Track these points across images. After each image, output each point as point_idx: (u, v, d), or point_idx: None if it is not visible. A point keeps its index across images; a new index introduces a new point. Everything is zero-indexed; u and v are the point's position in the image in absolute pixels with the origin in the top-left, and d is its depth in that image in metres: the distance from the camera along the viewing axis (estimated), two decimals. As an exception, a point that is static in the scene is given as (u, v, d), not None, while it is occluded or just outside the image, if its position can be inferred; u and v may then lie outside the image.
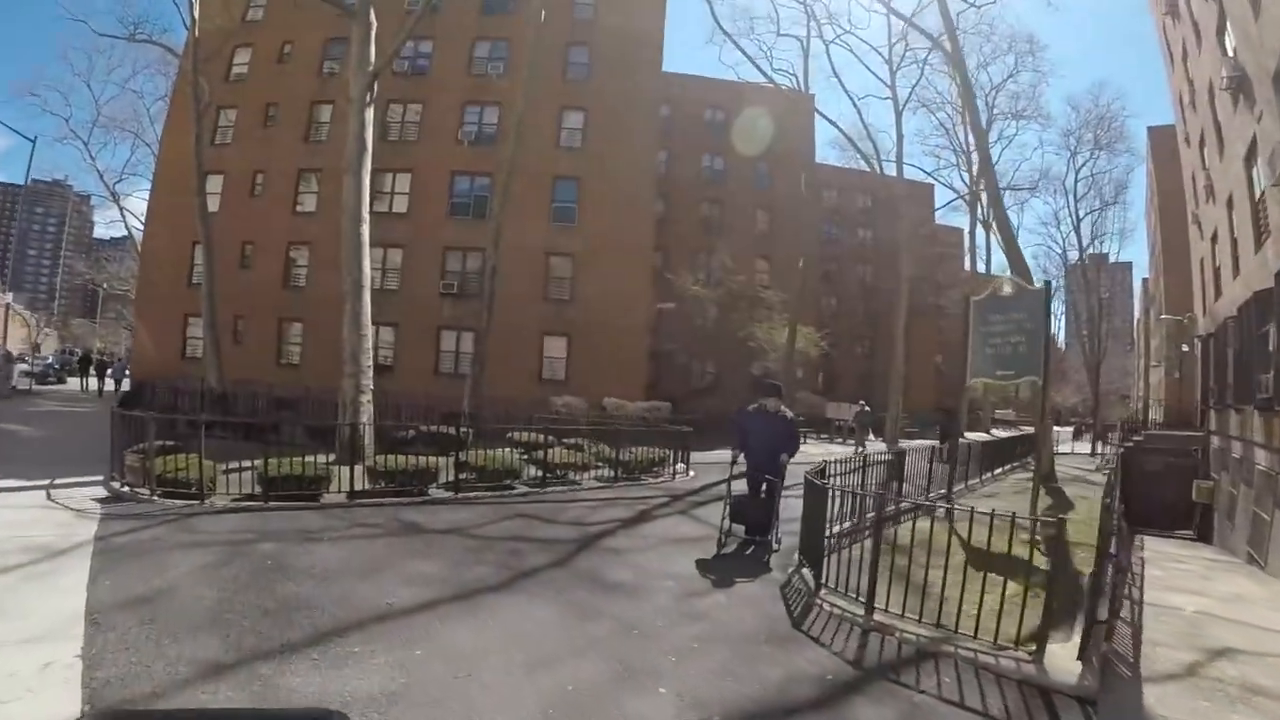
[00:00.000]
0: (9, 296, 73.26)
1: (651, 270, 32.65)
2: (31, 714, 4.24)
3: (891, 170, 38.91)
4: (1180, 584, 11.92)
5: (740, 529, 9.89)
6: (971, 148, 47.77)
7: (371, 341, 16.30)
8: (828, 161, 53.24)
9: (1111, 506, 9.98)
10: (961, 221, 62.44)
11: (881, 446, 31.78)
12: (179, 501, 10.28)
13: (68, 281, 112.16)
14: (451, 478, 12.31)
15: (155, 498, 10.50)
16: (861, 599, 7.05)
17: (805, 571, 8.32)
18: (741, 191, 42.14)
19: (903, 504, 9.99)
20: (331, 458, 12.50)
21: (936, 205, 54.40)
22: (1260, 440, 16.27)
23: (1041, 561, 7.67)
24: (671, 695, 5.11)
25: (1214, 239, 23.31)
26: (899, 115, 37.95)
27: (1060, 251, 58.35)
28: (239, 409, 23.61)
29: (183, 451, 11.23)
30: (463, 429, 17.47)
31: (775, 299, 34.36)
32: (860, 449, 25.08)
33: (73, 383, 39.85)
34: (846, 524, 9.29)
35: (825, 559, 7.78)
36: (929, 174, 50.97)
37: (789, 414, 10.08)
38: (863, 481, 11.65)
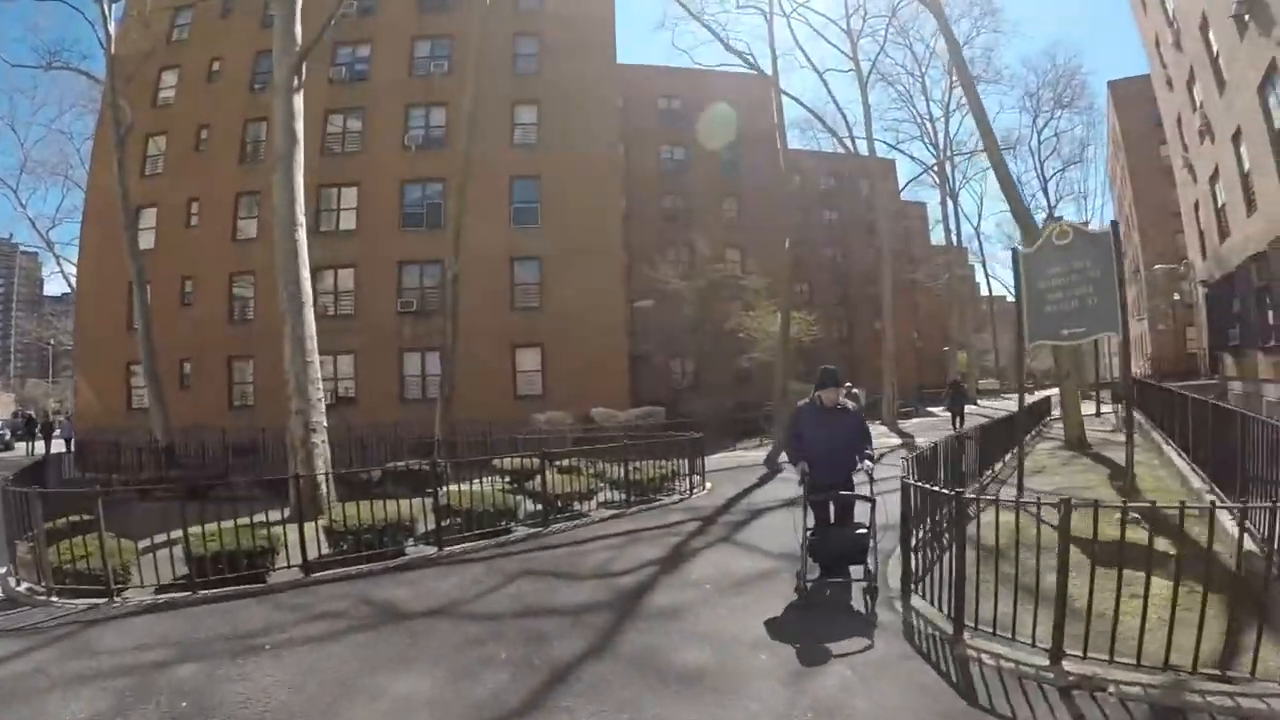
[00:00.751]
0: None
1: (623, 268, 30.38)
2: None
3: (857, 146, 36.89)
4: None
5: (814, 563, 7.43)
6: (935, 116, 46.71)
7: (319, 370, 13.55)
8: (789, 145, 51.48)
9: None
10: (924, 195, 60.73)
11: (878, 430, 29.88)
12: (81, 602, 7.71)
13: (20, 342, 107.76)
14: (433, 526, 9.82)
15: (52, 598, 7.93)
16: (1022, 639, 5.20)
17: (919, 606, 6.41)
18: (706, 181, 39.95)
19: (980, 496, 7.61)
20: (288, 513, 10.00)
21: (900, 179, 52.96)
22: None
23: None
24: None
25: (1214, 179, 21.90)
26: (864, 87, 36.13)
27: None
28: (187, 461, 20.99)
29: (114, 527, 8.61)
30: (438, 462, 15.11)
31: (759, 285, 32.22)
32: None
33: (21, 448, 36.97)
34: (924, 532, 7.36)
35: (957, 589, 5.67)
36: (894, 147, 48.92)
37: (853, 404, 7.71)
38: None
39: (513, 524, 10.76)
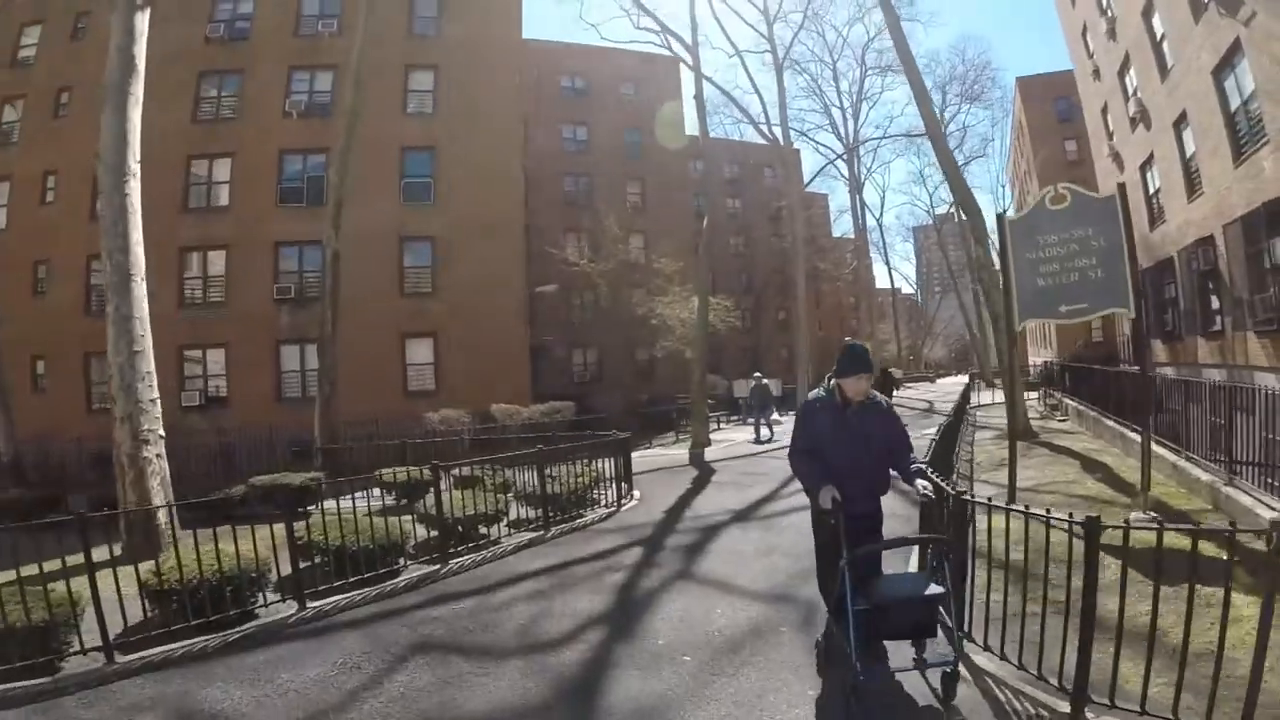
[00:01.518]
0: None
1: (523, 251, 27.68)
2: None
3: (773, 132, 35.16)
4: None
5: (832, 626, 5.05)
6: (845, 106, 45.59)
7: (153, 362, 10.52)
8: (693, 130, 49.90)
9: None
10: (825, 187, 59.99)
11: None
12: None
13: None
14: (302, 568, 7.12)
15: None
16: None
17: (991, 667, 4.60)
18: (609, 163, 37.36)
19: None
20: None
21: (804, 168, 51.82)
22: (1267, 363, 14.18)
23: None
24: None
25: (1145, 167, 21.33)
26: (779, 69, 34.38)
27: (928, 208, 57.17)
28: (35, 476, 17.76)
29: None
30: (310, 477, 12.29)
31: (671, 268, 30.03)
32: (765, 427, 21.31)
33: None
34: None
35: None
36: (803, 134, 47.75)
37: (886, 399, 5.30)
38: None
39: (402, 560, 8.11)
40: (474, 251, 24.54)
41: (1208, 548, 5.58)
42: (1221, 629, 3.44)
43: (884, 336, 59.73)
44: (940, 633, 4.56)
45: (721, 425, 26.95)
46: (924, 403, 35.97)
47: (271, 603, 6.84)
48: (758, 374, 22.93)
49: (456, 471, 10.31)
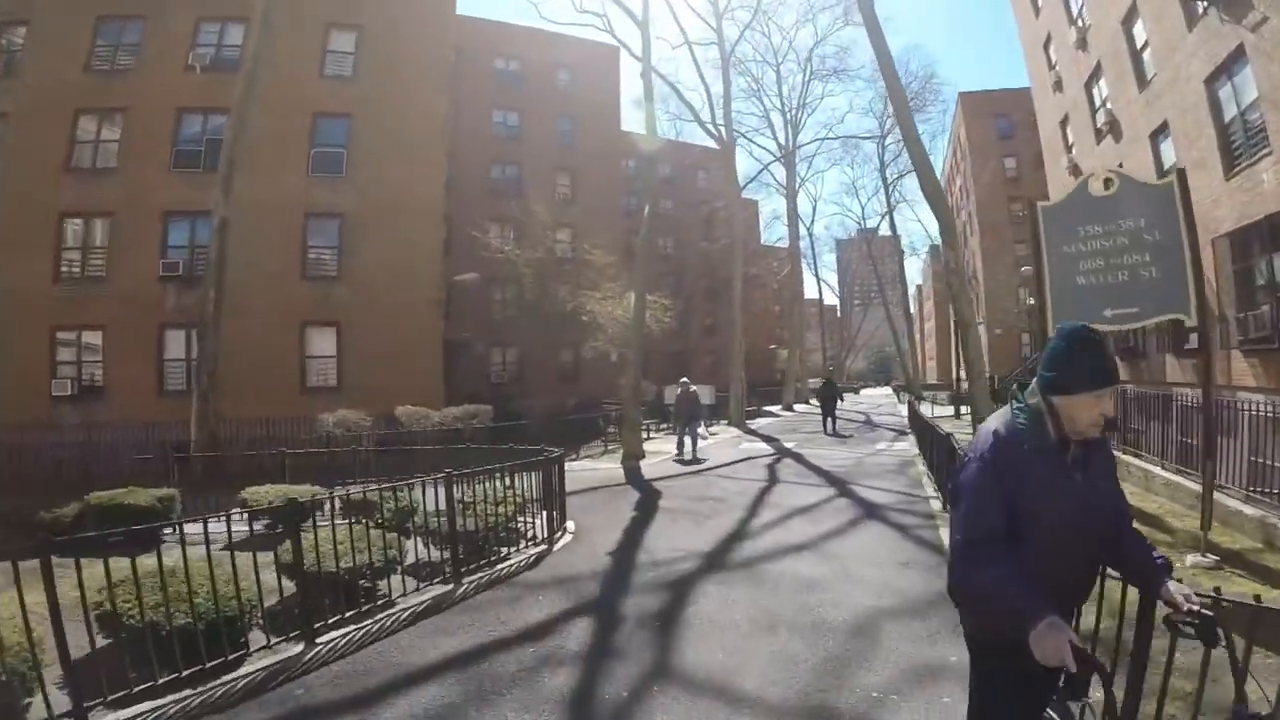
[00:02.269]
0: None
1: (441, 237, 24.90)
2: None
3: (719, 130, 33.09)
4: None
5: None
6: (787, 108, 43.93)
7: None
8: (627, 126, 47.88)
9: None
10: (755, 194, 58.46)
11: (731, 433, 26.19)
12: None
13: None
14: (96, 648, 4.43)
15: None
16: None
17: None
18: (540, 152, 34.51)
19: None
20: None
21: (739, 172, 50.22)
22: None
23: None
24: None
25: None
26: (725, 63, 32.36)
27: (859, 219, 56.52)
28: None
29: None
30: (161, 495, 9.62)
31: (604, 261, 27.51)
32: (690, 439, 18.90)
33: None
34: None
35: None
36: (744, 135, 46.10)
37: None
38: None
39: (249, 637, 5.49)
40: (387, 234, 21.75)
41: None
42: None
43: (811, 347, 58.91)
44: None
45: (652, 434, 24.67)
46: (859, 415, 34.55)
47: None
48: (684, 379, 20.25)
49: (344, 493, 7.70)
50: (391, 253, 21.64)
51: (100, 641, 4.75)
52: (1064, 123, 24.13)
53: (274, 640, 5.56)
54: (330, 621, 5.93)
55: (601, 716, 4.53)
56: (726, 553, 8.61)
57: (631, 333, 19.33)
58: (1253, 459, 10.69)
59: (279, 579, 6.48)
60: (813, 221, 62.22)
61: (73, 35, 20.95)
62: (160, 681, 4.70)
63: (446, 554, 7.55)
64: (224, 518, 5.81)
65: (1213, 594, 2.97)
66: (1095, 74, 20.60)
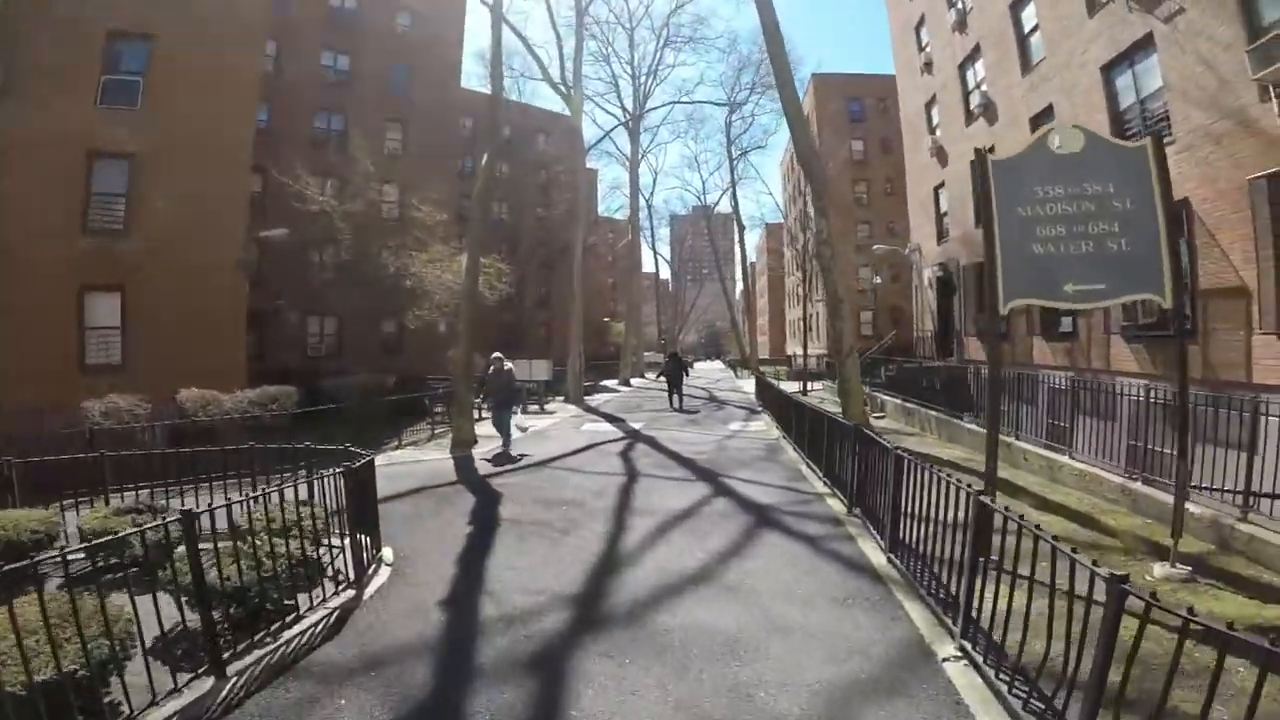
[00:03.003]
0: None
1: (248, 184, 20.99)
2: None
3: (567, 88, 30.29)
4: None
5: None
6: (636, 74, 41.73)
7: None
8: (466, 84, 44.26)
9: None
10: (594, 163, 56.11)
11: (570, 412, 23.91)
12: None
13: None
14: None
15: None
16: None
17: None
18: (370, 101, 30.21)
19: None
20: None
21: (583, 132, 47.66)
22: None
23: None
24: None
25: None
26: (580, 16, 29.57)
27: (699, 193, 55.58)
28: None
29: None
30: None
31: (433, 220, 24.19)
32: (504, 431, 15.14)
33: None
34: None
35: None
36: (591, 98, 43.63)
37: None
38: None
39: None
40: (187, 180, 17.95)
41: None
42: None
43: (645, 320, 57.63)
44: None
45: (484, 415, 21.95)
46: (701, 391, 33.18)
47: None
48: (497, 355, 15.60)
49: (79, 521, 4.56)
50: (191, 204, 17.85)
51: None
52: (930, 104, 24.13)
53: None
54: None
55: None
56: (602, 594, 6.27)
57: (463, 299, 16.52)
58: (1132, 443, 10.64)
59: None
60: (652, 193, 60.94)
61: None
62: None
63: (201, 618, 4.74)
64: None
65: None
66: (972, 56, 20.37)
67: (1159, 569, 6.71)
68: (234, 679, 4.65)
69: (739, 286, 71.12)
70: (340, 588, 6.23)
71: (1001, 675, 4.40)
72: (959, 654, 4.96)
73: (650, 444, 15.60)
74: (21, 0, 15.70)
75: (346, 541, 6.53)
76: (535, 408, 24.10)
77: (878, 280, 32.58)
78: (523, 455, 14.04)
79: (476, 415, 18.70)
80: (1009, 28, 17.87)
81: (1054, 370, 15.47)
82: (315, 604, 5.78)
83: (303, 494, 6.30)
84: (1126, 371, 13.09)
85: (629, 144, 42.79)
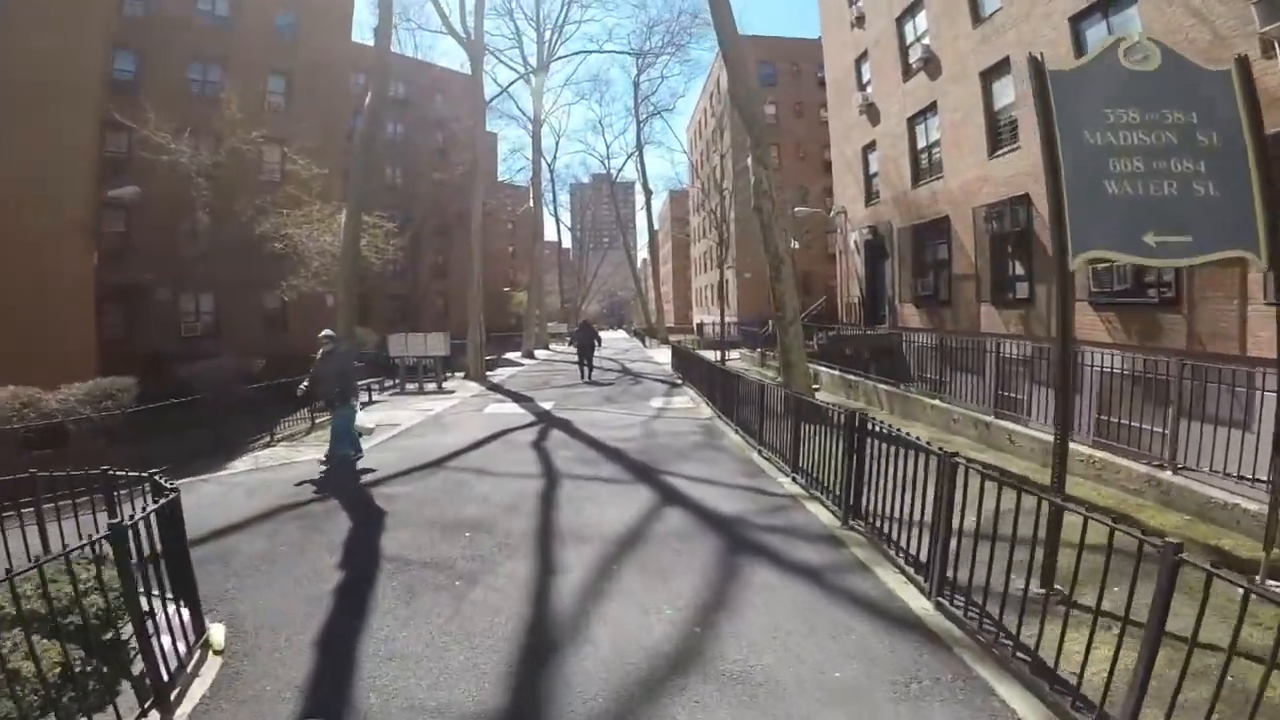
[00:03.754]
0: None
1: (98, 134, 17.38)
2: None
3: (454, 33, 27.13)
4: None
5: None
6: (542, 28, 38.55)
7: None
8: (359, 39, 40.25)
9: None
10: (496, 124, 52.62)
11: (472, 390, 21.24)
12: None
13: None
14: None
15: None
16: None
17: None
18: (252, 49, 26.09)
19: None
20: None
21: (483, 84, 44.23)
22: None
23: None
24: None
25: (918, 120, 19.01)
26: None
27: (602, 158, 53.13)
28: None
29: None
30: None
31: (309, 174, 20.76)
32: (341, 435, 11.24)
33: None
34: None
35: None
36: (494, 54, 40.46)
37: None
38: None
39: None
40: (16, 129, 14.24)
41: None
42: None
43: (549, 289, 54.90)
44: None
45: (375, 398, 19.06)
46: (612, 362, 30.83)
47: None
48: (327, 332, 11.50)
49: None
50: (23, 158, 14.22)
51: None
52: (860, 60, 22.26)
53: None
54: None
55: None
56: (540, 711, 3.92)
57: (342, 261, 13.70)
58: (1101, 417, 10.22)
59: None
60: (555, 158, 57.82)
61: None
62: None
63: None
64: None
65: None
66: (912, 9, 18.98)
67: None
68: None
69: (641, 255, 69.16)
70: (145, 707, 3.72)
71: None
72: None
73: (567, 429, 13.21)
74: None
75: (162, 616, 3.97)
76: (433, 387, 21.32)
77: (795, 245, 30.87)
78: (367, 470, 10.24)
79: (367, 398, 15.96)
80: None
81: (1007, 339, 14.06)
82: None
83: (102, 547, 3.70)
84: (1095, 341, 11.66)
85: (531, 104, 39.67)
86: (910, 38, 19.04)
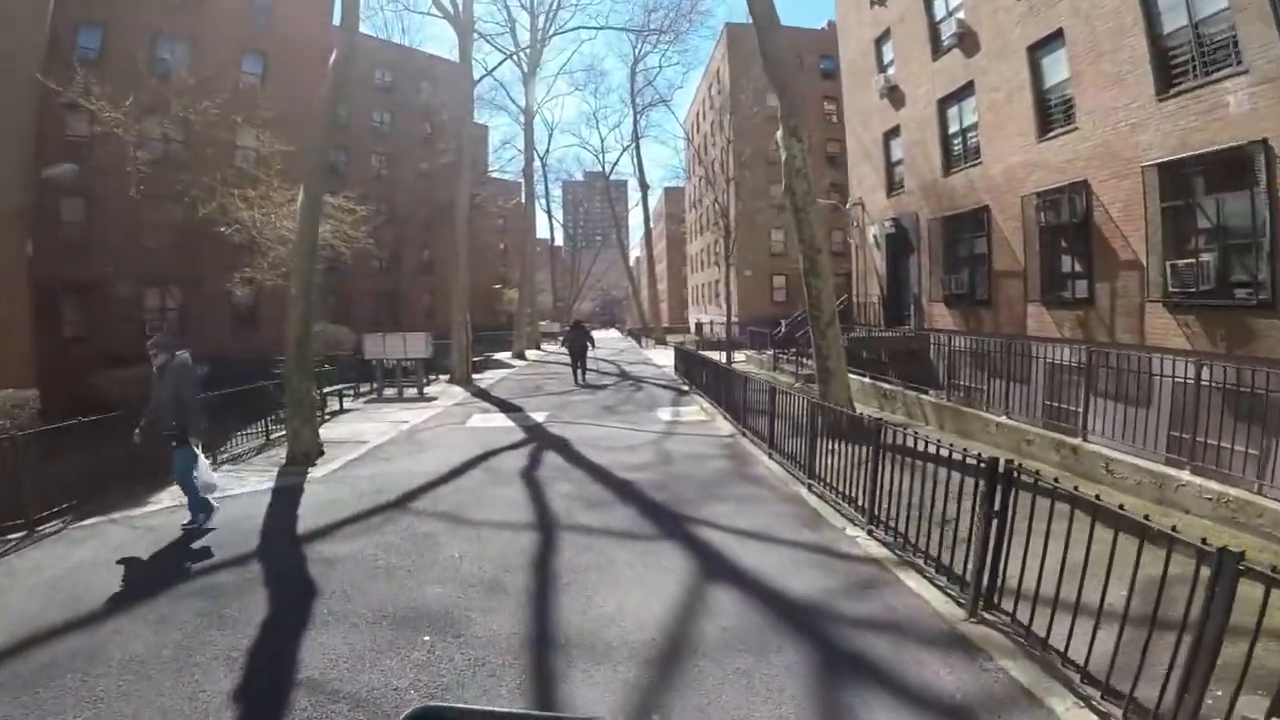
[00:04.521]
0: None
1: (33, 115, 15.05)
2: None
3: (442, 6, 24.67)
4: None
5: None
6: (536, 11, 36.07)
7: None
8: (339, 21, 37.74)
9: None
10: (486, 117, 50.28)
11: (456, 397, 18.96)
12: None
13: None
14: None
15: None
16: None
17: None
18: (225, 25, 23.67)
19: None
20: None
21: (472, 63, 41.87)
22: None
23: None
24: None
25: (951, 101, 16.96)
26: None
27: (597, 152, 51.06)
28: None
29: None
30: None
31: (273, 148, 18.15)
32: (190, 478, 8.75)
33: None
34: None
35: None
36: (485, 38, 38.23)
37: None
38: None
39: None
40: None
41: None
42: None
43: (541, 287, 52.59)
44: None
45: (347, 406, 16.75)
46: (609, 364, 28.51)
47: None
48: (157, 339, 7.87)
49: None
50: None
51: None
52: (881, 40, 20.16)
53: None
54: None
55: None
56: None
57: (296, 252, 11.34)
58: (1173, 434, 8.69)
59: None
60: (548, 151, 55.43)
61: None
62: None
63: None
64: None
65: None
66: None
67: None
68: None
69: (635, 253, 66.84)
70: None
71: None
72: None
73: (564, 451, 10.88)
74: None
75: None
76: (413, 392, 19.02)
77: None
78: (204, 531, 7.23)
79: (337, 407, 13.67)
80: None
81: (1058, 343, 12.41)
82: None
83: None
84: (1169, 348, 10.31)
85: (524, 95, 37.25)
86: (941, 13, 17.07)
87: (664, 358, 29.83)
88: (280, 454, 10.98)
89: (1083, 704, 3.64)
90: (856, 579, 5.57)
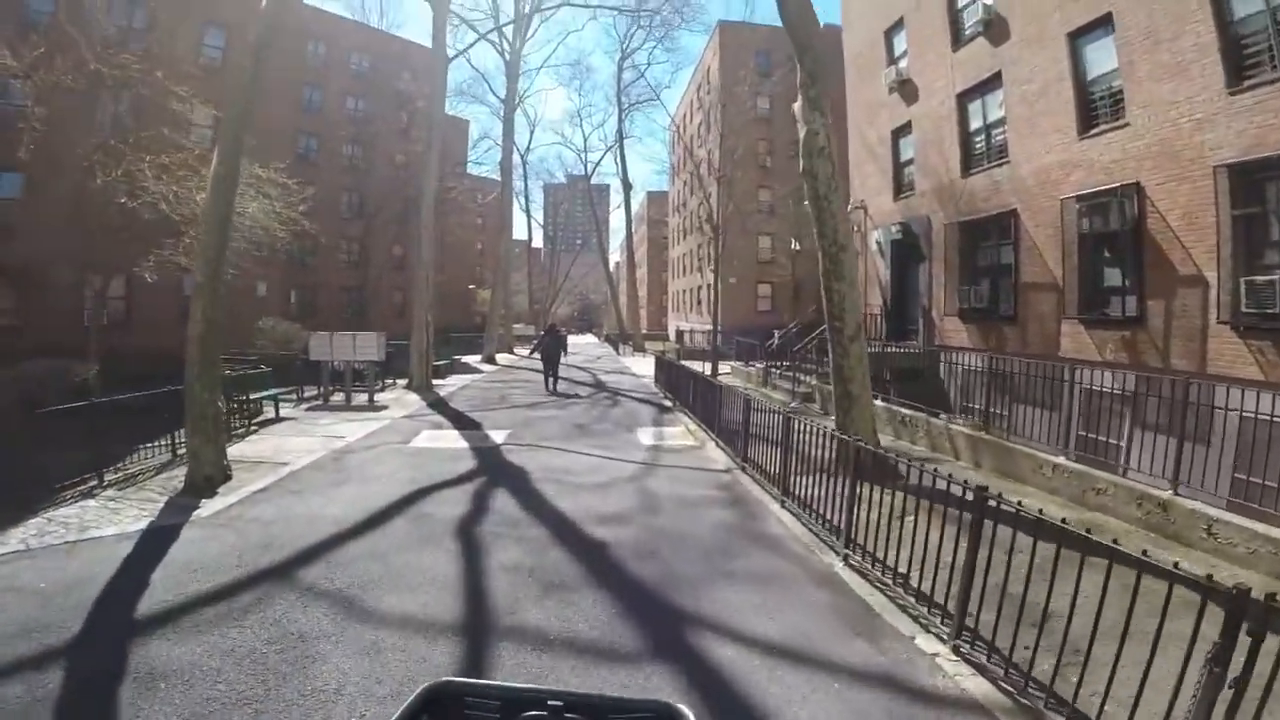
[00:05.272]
0: None
1: None
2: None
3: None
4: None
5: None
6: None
7: None
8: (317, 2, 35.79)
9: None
10: (466, 112, 48.01)
11: (409, 407, 16.79)
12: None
13: None
14: None
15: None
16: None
17: None
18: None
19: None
20: None
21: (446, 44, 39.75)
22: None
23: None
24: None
25: (974, 95, 15.32)
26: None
27: (579, 151, 49.28)
28: None
29: None
30: None
31: (188, 106, 15.70)
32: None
33: None
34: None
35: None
36: (466, 22, 36.38)
37: None
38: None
39: None
40: None
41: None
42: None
43: (515, 288, 50.33)
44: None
45: (285, 414, 14.52)
46: (583, 372, 26.38)
47: None
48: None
49: None
50: None
51: None
52: (892, 30, 18.38)
53: None
54: None
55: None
56: None
57: (203, 227, 9.20)
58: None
59: None
60: (529, 149, 53.28)
61: None
62: None
63: None
64: None
65: None
66: None
67: None
68: None
69: (615, 258, 64.80)
70: None
71: None
72: None
73: (520, 492, 8.59)
74: None
75: None
76: (364, 399, 16.84)
77: (796, 247, 26.91)
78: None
79: (272, 415, 11.55)
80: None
81: (1100, 367, 10.79)
82: None
83: None
84: (1238, 377, 8.88)
85: (504, 83, 35.07)
86: (963, 1, 15.17)
87: (643, 366, 27.76)
88: (179, 474, 8.86)
89: None
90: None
